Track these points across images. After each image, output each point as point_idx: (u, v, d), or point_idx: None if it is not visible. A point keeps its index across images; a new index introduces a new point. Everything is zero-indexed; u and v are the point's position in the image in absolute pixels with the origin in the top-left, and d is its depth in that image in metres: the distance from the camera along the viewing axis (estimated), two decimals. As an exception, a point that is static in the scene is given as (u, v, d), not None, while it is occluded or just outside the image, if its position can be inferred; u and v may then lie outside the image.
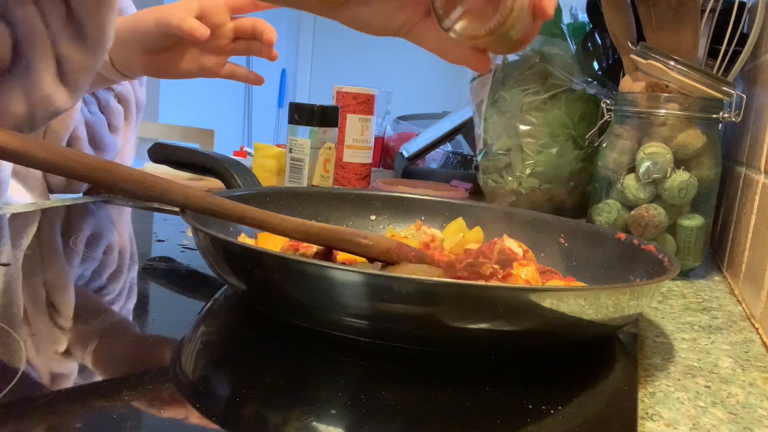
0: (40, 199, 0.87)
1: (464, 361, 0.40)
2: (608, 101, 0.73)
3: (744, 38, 0.68)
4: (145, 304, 0.49)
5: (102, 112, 0.90)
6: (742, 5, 0.69)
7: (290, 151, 0.83)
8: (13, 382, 0.32)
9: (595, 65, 0.90)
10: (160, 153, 0.74)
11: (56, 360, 0.36)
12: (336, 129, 0.83)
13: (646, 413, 0.37)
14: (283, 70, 4.33)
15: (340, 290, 0.38)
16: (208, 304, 0.48)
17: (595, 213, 0.71)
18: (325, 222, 0.61)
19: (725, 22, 0.68)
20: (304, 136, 0.81)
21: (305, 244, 0.51)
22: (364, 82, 1.04)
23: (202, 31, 0.76)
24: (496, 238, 0.55)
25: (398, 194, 0.68)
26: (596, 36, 0.88)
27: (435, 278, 0.38)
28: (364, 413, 0.32)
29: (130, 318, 0.45)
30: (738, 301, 0.62)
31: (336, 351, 0.40)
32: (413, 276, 0.37)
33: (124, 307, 0.47)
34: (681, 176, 0.65)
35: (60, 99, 0.62)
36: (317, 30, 4.17)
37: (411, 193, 0.70)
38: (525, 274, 0.48)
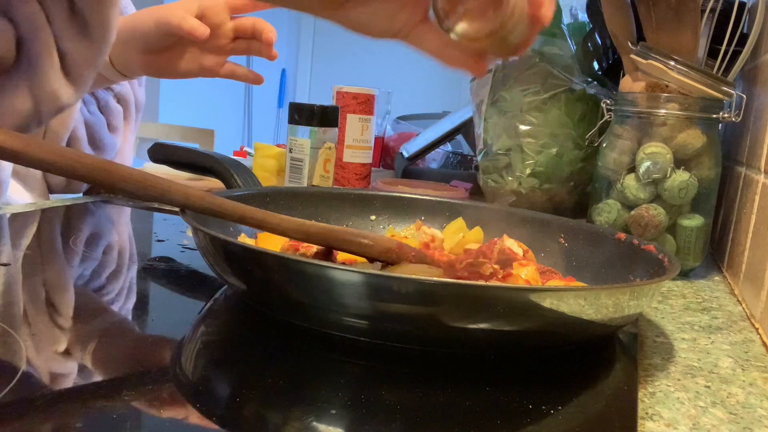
0: (40, 199, 0.87)
1: (464, 361, 0.40)
2: (608, 101, 0.73)
3: (744, 38, 0.68)
4: (145, 304, 0.49)
5: (101, 112, 0.90)
6: (742, 5, 0.69)
7: (290, 151, 0.83)
8: (13, 382, 0.32)
9: (595, 65, 0.90)
10: (160, 153, 0.74)
11: (56, 360, 0.36)
12: (336, 129, 0.83)
13: (646, 413, 0.37)
14: (283, 70, 4.33)
15: (340, 290, 0.38)
16: (208, 304, 0.48)
17: (595, 213, 0.71)
18: (325, 222, 0.61)
19: (725, 22, 0.68)
20: (304, 136, 0.81)
21: (305, 244, 0.51)
22: (364, 82, 1.04)
23: (202, 30, 0.76)
24: (496, 238, 0.55)
25: (398, 194, 0.68)
26: (596, 36, 0.88)
27: (435, 278, 0.38)
28: (364, 413, 0.32)
29: (130, 318, 0.45)
30: (738, 301, 0.62)
31: (336, 351, 0.40)
32: (413, 276, 0.37)
33: (124, 307, 0.47)
34: (681, 176, 0.65)
35: (65, 94, 0.62)
36: (317, 30, 4.17)
37: (411, 193, 0.70)
38: (525, 274, 0.48)
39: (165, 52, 0.81)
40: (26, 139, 0.37)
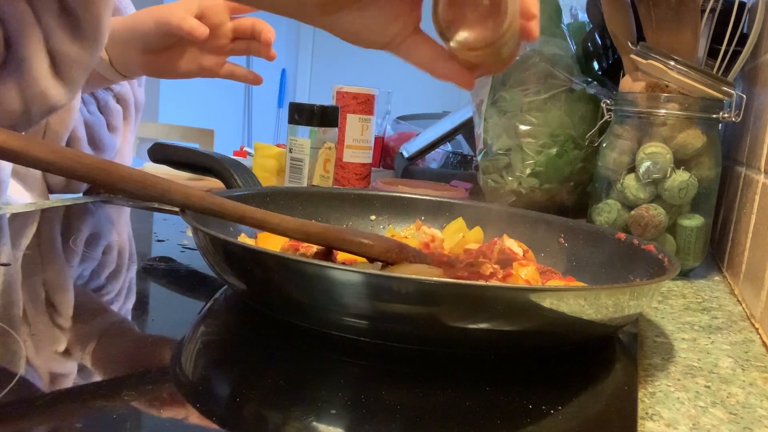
0: (39, 199, 0.87)
1: (464, 361, 0.40)
2: (608, 101, 0.73)
3: (744, 38, 0.68)
4: (145, 304, 0.49)
5: (101, 113, 0.90)
6: (742, 5, 0.69)
7: (290, 151, 0.83)
8: (13, 382, 0.32)
9: (595, 65, 0.90)
10: (160, 153, 0.74)
11: (56, 360, 0.36)
12: (336, 129, 0.83)
13: (646, 413, 0.37)
14: (283, 70, 4.33)
15: (340, 290, 0.38)
16: (208, 304, 0.48)
17: (595, 213, 0.71)
18: (325, 222, 0.62)
19: (725, 22, 0.68)
20: (304, 136, 0.81)
21: (305, 244, 0.51)
22: (364, 82, 1.04)
23: (202, 30, 0.76)
24: (496, 238, 0.55)
25: (398, 194, 0.68)
26: (596, 36, 0.88)
27: (435, 278, 0.38)
28: (364, 413, 0.32)
29: (130, 318, 0.45)
30: (738, 301, 0.62)
31: (336, 351, 0.40)
32: (413, 276, 0.37)
33: (124, 307, 0.47)
34: (681, 176, 0.65)
35: (56, 94, 0.62)
36: (317, 30, 4.13)
37: (411, 193, 0.70)
38: (525, 274, 0.48)
39: (165, 53, 0.81)
40: (26, 139, 0.37)
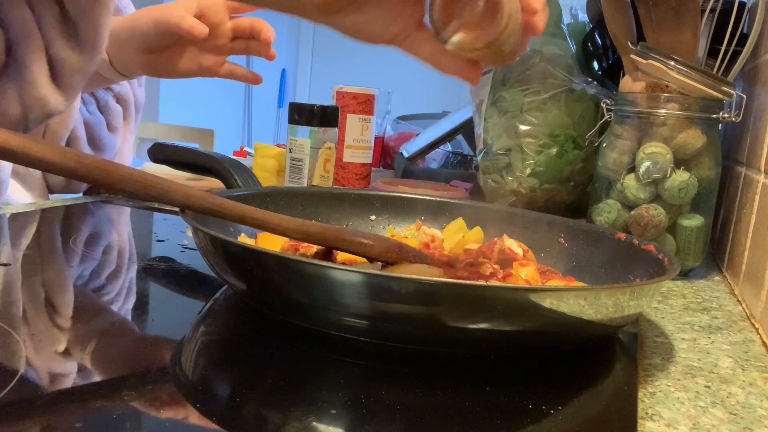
0: (39, 198, 0.87)
1: (464, 361, 0.40)
2: (608, 101, 0.73)
3: (744, 38, 0.68)
4: (145, 304, 0.49)
5: (101, 112, 0.90)
6: (742, 5, 0.69)
7: (290, 151, 0.83)
8: (13, 382, 0.32)
9: (595, 65, 0.90)
10: (160, 153, 0.74)
11: (56, 360, 0.36)
12: (336, 129, 0.83)
13: (646, 413, 0.37)
14: (283, 70, 4.33)
15: (340, 290, 0.38)
16: (208, 304, 0.48)
17: (595, 213, 0.71)
18: (325, 222, 0.62)
19: (725, 22, 0.68)
20: (304, 136, 0.81)
21: (305, 244, 0.51)
22: (364, 82, 1.04)
23: (201, 29, 0.76)
24: (496, 238, 0.55)
25: (398, 194, 0.68)
26: (596, 36, 0.88)
27: (435, 278, 0.38)
28: (364, 413, 0.32)
29: (130, 318, 0.45)
30: (738, 301, 0.62)
31: (336, 351, 0.40)
32: (413, 276, 0.37)
33: (124, 307, 0.47)
34: (681, 176, 0.65)
35: (54, 101, 0.62)
36: (317, 30, 4.17)
37: (411, 193, 0.70)
38: (525, 274, 0.48)
39: (164, 52, 0.81)
40: (26, 139, 0.37)
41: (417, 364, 0.39)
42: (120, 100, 0.93)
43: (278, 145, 1.00)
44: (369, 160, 0.97)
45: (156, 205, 0.81)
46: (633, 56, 0.67)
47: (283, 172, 0.85)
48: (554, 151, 0.83)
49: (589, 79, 0.86)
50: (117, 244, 0.67)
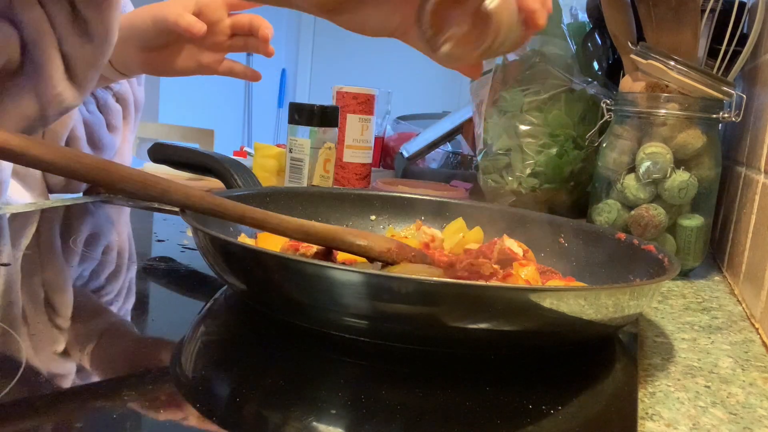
0: (39, 198, 0.87)
1: (464, 361, 0.40)
2: (608, 101, 0.73)
3: (744, 38, 0.68)
4: (145, 304, 0.49)
5: (100, 112, 0.90)
6: (742, 5, 0.69)
7: (290, 151, 0.83)
8: (13, 383, 0.32)
9: (595, 65, 0.90)
10: (160, 153, 0.74)
11: (56, 360, 0.36)
12: (336, 129, 0.83)
13: (646, 413, 0.37)
14: (283, 70, 4.33)
15: (340, 290, 0.38)
16: (208, 304, 0.48)
17: (595, 213, 0.71)
18: (325, 222, 0.61)
19: (725, 22, 0.68)
20: (304, 136, 0.81)
21: (305, 244, 0.51)
22: (364, 82, 1.04)
23: (199, 27, 0.76)
24: (496, 238, 0.55)
25: (398, 194, 0.68)
26: (596, 36, 0.88)
27: (435, 278, 0.38)
28: (364, 413, 0.32)
29: (130, 318, 0.45)
30: (738, 301, 0.62)
31: (336, 351, 0.40)
32: (413, 276, 0.37)
33: (124, 307, 0.47)
34: (681, 176, 0.65)
35: (70, 96, 0.62)
36: (317, 30, 4.17)
37: (411, 193, 0.70)
38: (525, 274, 0.48)
39: (163, 50, 0.81)
40: (26, 139, 0.37)
41: (417, 364, 0.39)
42: (119, 99, 0.93)
43: (278, 145, 1.00)
44: (369, 160, 0.97)
45: (156, 205, 0.81)
46: (633, 56, 0.67)
47: (283, 172, 0.85)
48: (554, 151, 0.83)
49: (589, 79, 0.86)
50: (117, 244, 0.67)
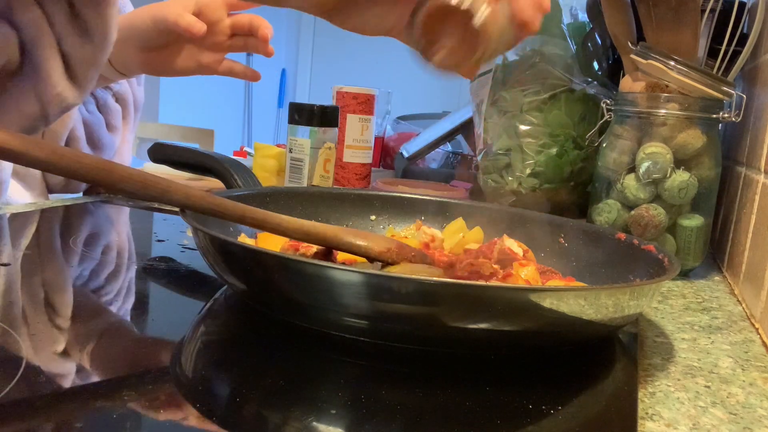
0: (39, 198, 0.87)
1: (464, 361, 0.40)
2: (608, 101, 0.73)
3: (744, 38, 0.68)
4: (145, 304, 0.49)
5: (100, 112, 0.90)
6: (742, 5, 0.69)
7: (290, 151, 0.83)
8: (13, 382, 0.32)
9: (595, 65, 0.90)
10: (160, 153, 0.74)
11: (56, 360, 0.36)
12: (336, 129, 0.83)
13: (646, 413, 0.37)
14: (283, 70, 4.33)
15: (340, 290, 0.38)
16: (208, 304, 0.48)
17: (595, 213, 0.71)
18: (325, 222, 0.61)
19: (725, 22, 0.68)
20: (304, 136, 0.81)
21: (305, 244, 0.51)
22: (364, 82, 1.04)
23: (199, 27, 0.76)
24: (496, 238, 0.55)
25: (398, 194, 0.68)
26: (596, 36, 0.88)
27: (435, 278, 0.38)
28: (364, 413, 0.32)
29: (130, 318, 0.45)
30: (738, 301, 0.62)
31: (336, 351, 0.40)
32: (413, 276, 0.37)
33: (124, 307, 0.47)
34: (681, 176, 0.65)
35: (70, 95, 0.63)
36: (317, 30, 4.17)
37: (411, 193, 0.70)
38: (525, 274, 0.48)
39: (163, 50, 0.81)
40: (26, 140, 0.37)
41: (417, 364, 0.39)
42: (119, 99, 0.93)
43: (278, 145, 1.00)
44: (369, 160, 0.97)
45: (156, 205, 0.81)
46: (633, 56, 0.67)
47: (283, 172, 0.85)
48: (554, 151, 0.83)
49: (589, 79, 0.86)
50: (116, 244, 0.67)
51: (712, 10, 0.69)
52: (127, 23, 0.79)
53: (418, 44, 0.42)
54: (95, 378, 0.35)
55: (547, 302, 0.37)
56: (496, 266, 0.49)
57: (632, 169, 0.68)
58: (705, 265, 0.74)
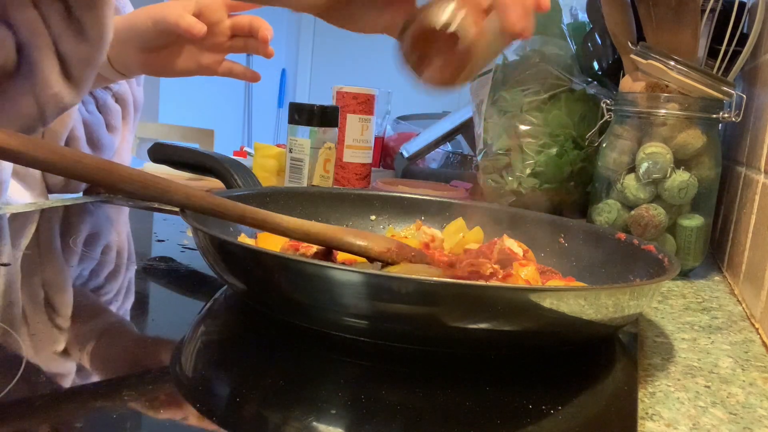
0: (39, 198, 0.87)
1: (464, 361, 0.40)
2: (608, 101, 0.73)
3: (744, 38, 0.68)
4: (145, 304, 0.49)
5: (100, 112, 0.90)
6: (742, 5, 0.69)
7: (290, 151, 0.83)
8: (13, 382, 0.32)
9: (595, 65, 0.90)
10: (160, 153, 0.74)
11: (56, 360, 0.36)
12: (336, 129, 0.83)
13: (646, 413, 0.37)
14: (283, 70, 4.33)
15: (340, 290, 0.38)
16: (208, 304, 0.48)
17: (595, 213, 0.71)
18: (325, 222, 0.61)
19: (725, 22, 0.68)
20: (304, 136, 0.81)
21: (305, 244, 0.51)
22: (364, 82, 1.04)
23: (200, 28, 0.76)
24: (496, 238, 0.55)
25: (398, 194, 0.68)
26: (596, 36, 0.88)
27: (435, 278, 0.38)
28: (364, 413, 0.32)
29: (130, 318, 0.45)
30: (738, 301, 0.62)
31: (336, 351, 0.40)
32: (413, 276, 0.37)
33: (124, 307, 0.47)
34: (681, 176, 0.65)
35: (67, 96, 0.63)
36: (317, 30, 4.17)
37: (411, 193, 0.70)
38: (525, 274, 0.48)
39: (163, 51, 0.81)
40: (26, 140, 0.37)
41: (417, 364, 0.39)
42: (119, 99, 0.93)
43: (278, 145, 1.00)
44: (369, 160, 0.97)
45: (156, 205, 0.81)
46: (633, 56, 0.67)
47: (283, 172, 0.85)
48: (554, 151, 0.83)
49: (589, 79, 0.86)
50: (116, 244, 0.67)
51: (712, 10, 0.69)
52: (127, 24, 0.79)
53: (408, 62, 0.42)
54: (95, 378, 0.35)
55: (547, 302, 0.37)
56: (496, 266, 0.49)
57: (632, 169, 0.68)
58: (705, 265, 0.74)
